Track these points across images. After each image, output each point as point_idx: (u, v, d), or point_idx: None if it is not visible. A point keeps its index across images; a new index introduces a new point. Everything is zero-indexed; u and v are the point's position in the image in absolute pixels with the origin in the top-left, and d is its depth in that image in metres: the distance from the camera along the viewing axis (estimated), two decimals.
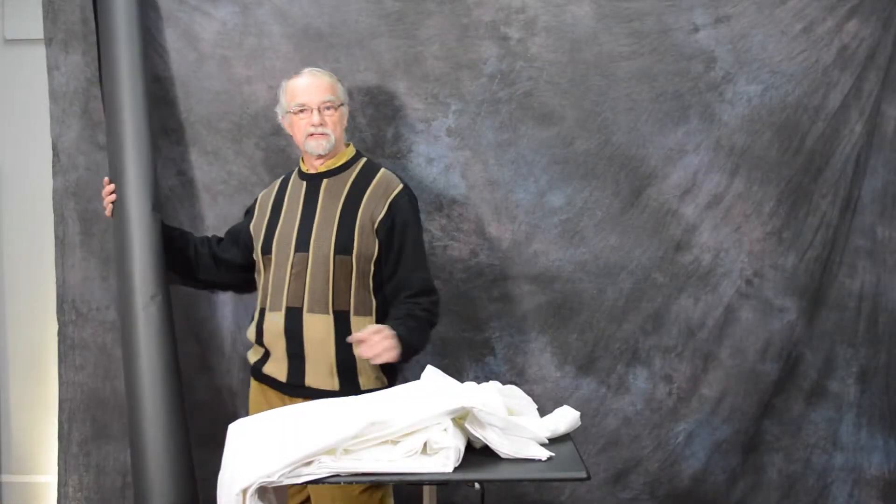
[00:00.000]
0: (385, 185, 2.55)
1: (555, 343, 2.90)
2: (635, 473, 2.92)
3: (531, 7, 2.87)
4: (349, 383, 2.48)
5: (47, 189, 2.98)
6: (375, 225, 2.50)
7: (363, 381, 2.49)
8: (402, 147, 2.90)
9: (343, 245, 2.48)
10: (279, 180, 2.71)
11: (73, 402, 2.94)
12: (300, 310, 2.48)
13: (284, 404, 2.46)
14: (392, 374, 2.58)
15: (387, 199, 2.52)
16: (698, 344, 2.89)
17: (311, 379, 2.48)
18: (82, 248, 2.93)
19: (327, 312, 2.47)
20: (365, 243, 2.49)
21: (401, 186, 2.56)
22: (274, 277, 2.54)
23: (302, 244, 2.51)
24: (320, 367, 2.48)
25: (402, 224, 2.52)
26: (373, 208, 2.51)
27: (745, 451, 2.92)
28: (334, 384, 2.48)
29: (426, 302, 2.51)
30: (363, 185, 2.55)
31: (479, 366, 2.92)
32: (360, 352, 2.36)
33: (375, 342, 2.33)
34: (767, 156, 2.85)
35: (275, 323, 2.51)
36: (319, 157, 2.58)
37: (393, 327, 2.38)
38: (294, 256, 2.51)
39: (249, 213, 2.73)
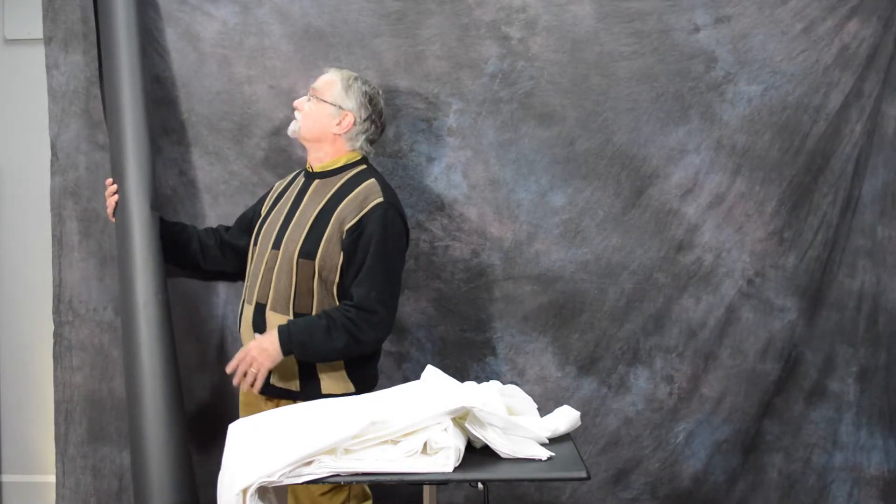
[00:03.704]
0: (363, 197, 2.47)
1: (556, 343, 2.90)
2: (636, 473, 2.91)
3: (532, 7, 2.87)
4: (310, 386, 2.47)
5: (46, 189, 2.97)
6: (343, 234, 2.45)
7: (325, 386, 2.47)
8: (403, 146, 2.90)
9: (307, 249, 2.45)
10: (294, 172, 2.71)
11: (70, 403, 2.93)
12: (264, 307, 2.48)
13: (258, 400, 2.52)
14: (368, 381, 2.54)
15: (361, 211, 2.45)
16: (699, 344, 2.89)
17: (275, 377, 2.48)
18: (80, 248, 2.92)
19: (287, 313, 2.45)
20: (329, 252, 2.45)
21: (380, 200, 2.45)
22: (252, 271, 2.56)
23: (277, 242, 2.51)
24: (282, 367, 2.46)
25: (368, 237, 2.43)
26: (345, 216, 2.46)
27: (745, 451, 2.91)
28: (295, 385, 2.48)
29: (356, 313, 2.40)
30: (346, 193, 2.50)
31: (480, 366, 2.91)
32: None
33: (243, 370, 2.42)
34: (769, 156, 2.85)
35: (246, 316, 2.54)
36: (312, 154, 2.58)
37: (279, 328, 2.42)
38: (269, 253, 2.51)
39: (263, 199, 2.73)
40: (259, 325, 2.50)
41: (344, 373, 2.49)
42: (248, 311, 2.53)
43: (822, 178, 2.85)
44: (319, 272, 2.45)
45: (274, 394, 2.48)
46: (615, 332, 2.90)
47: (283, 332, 2.40)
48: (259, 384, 2.42)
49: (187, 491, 2.49)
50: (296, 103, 2.59)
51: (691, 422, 2.90)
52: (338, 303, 2.47)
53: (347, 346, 2.42)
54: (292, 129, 2.58)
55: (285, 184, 2.68)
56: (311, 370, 2.48)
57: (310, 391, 2.45)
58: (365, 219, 2.44)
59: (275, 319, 2.46)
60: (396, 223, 2.50)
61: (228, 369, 2.46)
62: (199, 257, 2.73)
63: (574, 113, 2.87)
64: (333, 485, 2.24)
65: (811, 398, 2.91)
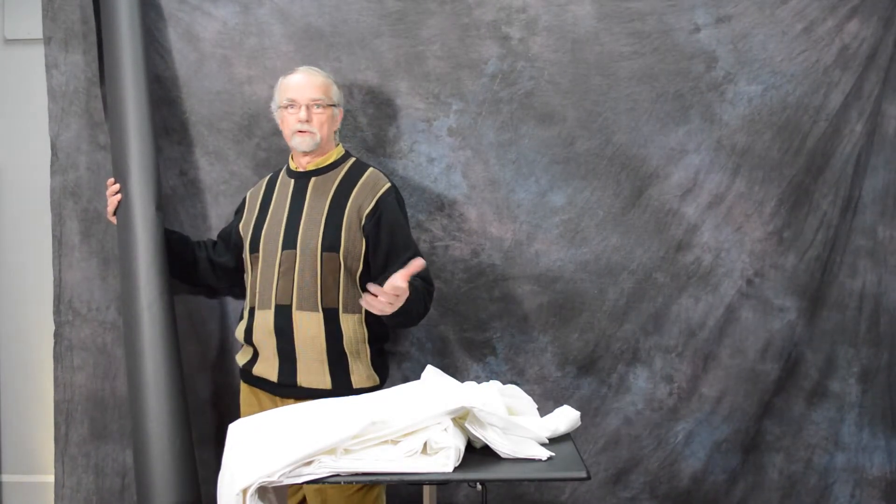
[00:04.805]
0: (373, 183, 2.57)
1: (556, 343, 2.90)
2: (635, 473, 2.92)
3: (532, 7, 2.87)
4: (341, 382, 2.49)
5: (46, 188, 2.97)
6: (363, 220, 2.52)
7: (355, 380, 2.50)
8: (404, 147, 2.90)
9: (330, 242, 2.49)
10: (267, 178, 2.73)
11: (71, 402, 2.94)
12: (289, 307, 2.49)
13: (276, 406, 2.48)
14: (384, 373, 2.60)
15: (375, 195, 2.54)
16: (699, 344, 2.89)
17: (303, 377, 2.49)
18: (81, 247, 2.93)
19: (317, 310, 2.48)
20: (352, 240, 2.50)
21: (389, 184, 2.58)
22: (262, 275, 2.55)
23: (289, 242, 2.52)
24: (312, 366, 2.48)
25: (389, 221, 2.52)
26: (360, 202, 2.53)
27: (745, 451, 2.91)
28: (326, 383, 2.49)
29: (420, 282, 2.46)
30: (351, 183, 2.56)
31: (480, 365, 2.92)
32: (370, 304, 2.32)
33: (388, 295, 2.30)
34: (768, 156, 2.85)
35: (264, 321, 2.52)
36: (307, 155, 2.60)
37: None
38: (282, 254, 2.52)
39: (239, 212, 2.74)
40: (284, 328, 2.49)
41: (370, 365, 2.54)
42: (266, 316, 2.52)
43: (821, 178, 2.85)
44: (344, 262, 2.50)
45: (304, 395, 2.44)
46: (615, 332, 2.90)
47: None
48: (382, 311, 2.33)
49: (190, 490, 2.49)
50: (300, 124, 2.54)
51: (691, 421, 2.90)
52: (361, 293, 2.50)
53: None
54: (310, 145, 2.56)
55: (263, 189, 2.68)
56: (344, 367, 2.50)
57: (341, 387, 2.46)
58: (381, 202, 2.53)
59: (303, 318, 2.48)
60: (404, 206, 2.64)
61: (381, 293, 2.31)
62: (194, 269, 2.73)
63: (574, 113, 2.87)
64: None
65: (812, 398, 2.91)
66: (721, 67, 2.84)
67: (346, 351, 2.50)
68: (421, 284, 2.46)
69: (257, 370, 2.56)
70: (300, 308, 2.48)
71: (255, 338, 2.55)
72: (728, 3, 2.83)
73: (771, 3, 2.82)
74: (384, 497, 2.57)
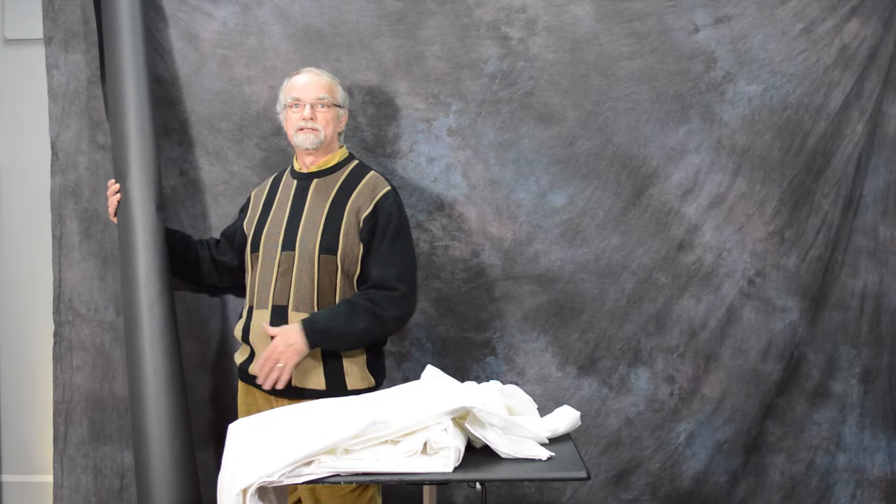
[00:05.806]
0: (373, 186, 2.56)
1: (556, 343, 2.90)
2: (637, 474, 2.91)
3: (532, 7, 2.87)
4: (336, 383, 2.48)
5: (46, 188, 2.97)
6: (360, 223, 2.51)
7: (350, 382, 2.50)
8: (403, 147, 2.90)
9: (328, 245, 2.49)
10: (272, 178, 2.73)
11: (70, 403, 2.93)
12: (286, 308, 2.49)
13: (271, 405, 2.49)
14: (381, 374, 2.60)
15: (373, 199, 2.54)
16: (700, 344, 2.89)
17: (297, 378, 2.48)
18: (80, 247, 2.93)
19: (312, 311, 2.47)
20: (350, 244, 2.50)
21: (388, 188, 2.57)
22: (261, 275, 2.55)
23: (289, 242, 2.52)
24: (306, 367, 2.48)
25: (384, 224, 2.52)
26: (359, 206, 2.53)
27: (746, 452, 2.91)
28: (321, 383, 2.48)
29: (375, 293, 2.47)
30: (352, 186, 2.56)
31: (480, 366, 2.91)
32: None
33: (269, 369, 2.44)
34: (769, 156, 2.85)
35: (261, 321, 2.52)
36: (310, 154, 2.59)
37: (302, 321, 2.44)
38: (281, 255, 2.52)
39: (243, 210, 2.74)
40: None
41: (365, 367, 2.53)
42: (263, 316, 2.52)
43: (822, 177, 2.85)
44: (342, 265, 2.50)
45: (298, 395, 2.45)
46: (615, 333, 2.90)
47: (306, 323, 2.43)
48: (284, 380, 2.44)
49: (190, 490, 2.49)
50: (303, 121, 2.55)
51: (692, 422, 2.90)
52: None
53: (371, 327, 2.47)
54: (313, 143, 2.57)
55: (267, 189, 2.69)
56: (338, 367, 2.49)
57: (336, 388, 2.46)
58: (378, 206, 2.52)
59: (299, 319, 2.47)
60: (403, 208, 2.62)
61: (256, 369, 2.47)
62: (196, 268, 2.74)
63: (574, 113, 2.87)
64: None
65: (814, 399, 2.90)
66: (721, 67, 2.84)
67: (342, 353, 2.50)
68: (357, 300, 2.46)
69: (253, 369, 2.56)
70: (296, 309, 2.49)
71: (252, 337, 2.56)
72: (728, 3, 2.83)
73: (771, 3, 2.82)
74: (379, 498, 2.57)
